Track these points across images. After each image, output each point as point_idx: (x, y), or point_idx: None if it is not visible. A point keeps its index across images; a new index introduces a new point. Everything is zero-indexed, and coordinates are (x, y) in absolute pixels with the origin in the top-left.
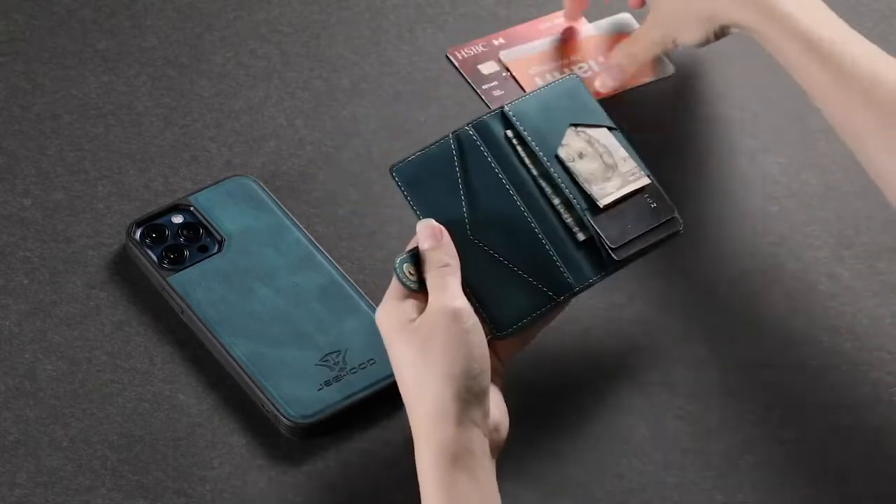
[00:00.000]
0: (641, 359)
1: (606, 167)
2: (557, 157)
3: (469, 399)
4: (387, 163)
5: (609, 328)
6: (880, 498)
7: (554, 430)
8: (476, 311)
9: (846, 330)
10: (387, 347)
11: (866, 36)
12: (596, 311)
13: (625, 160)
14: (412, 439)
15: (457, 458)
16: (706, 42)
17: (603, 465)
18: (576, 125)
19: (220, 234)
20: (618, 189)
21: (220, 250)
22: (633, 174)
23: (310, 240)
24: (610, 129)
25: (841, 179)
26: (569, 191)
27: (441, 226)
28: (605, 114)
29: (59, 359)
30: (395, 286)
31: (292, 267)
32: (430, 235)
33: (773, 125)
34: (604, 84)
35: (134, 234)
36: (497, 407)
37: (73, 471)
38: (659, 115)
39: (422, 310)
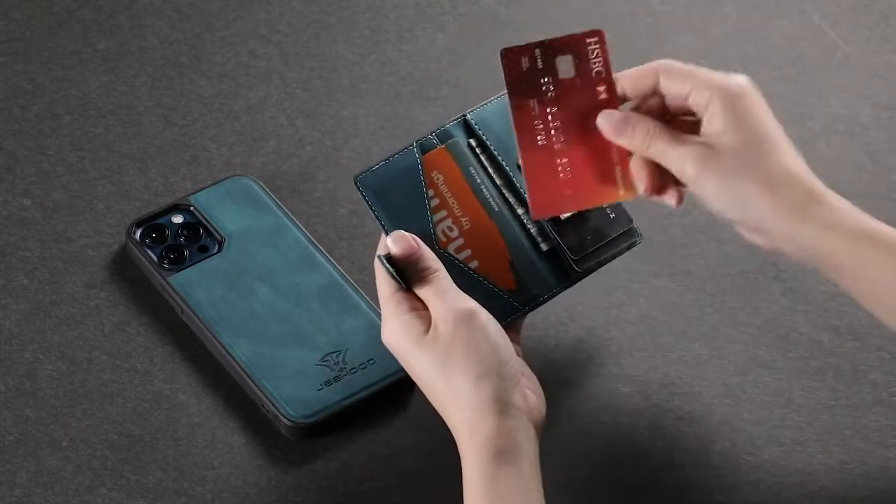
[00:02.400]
0: (641, 359)
1: None
2: (519, 166)
3: (506, 387)
4: None
5: (609, 328)
6: (881, 498)
7: (554, 430)
8: None
9: (846, 330)
10: (404, 365)
11: (866, 36)
12: (596, 311)
13: None
14: (412, 438)
15: (501, 453)
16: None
17: (603, 465)
18: None
19: (220, 234)
20: None
21: (220, 250)
22: None
23: (310, 240)
24: None
25: (841, 180)
26: None
27: (412, 234)
28: None
29: (59, 359)
30: (389, 302)
31: (292, 267)
32: (405, 248)
33: None
34: (601, 124)
35: (134, 234)
36: (531, 382)
37: (73, 471)
38: None
39: (427, 319)
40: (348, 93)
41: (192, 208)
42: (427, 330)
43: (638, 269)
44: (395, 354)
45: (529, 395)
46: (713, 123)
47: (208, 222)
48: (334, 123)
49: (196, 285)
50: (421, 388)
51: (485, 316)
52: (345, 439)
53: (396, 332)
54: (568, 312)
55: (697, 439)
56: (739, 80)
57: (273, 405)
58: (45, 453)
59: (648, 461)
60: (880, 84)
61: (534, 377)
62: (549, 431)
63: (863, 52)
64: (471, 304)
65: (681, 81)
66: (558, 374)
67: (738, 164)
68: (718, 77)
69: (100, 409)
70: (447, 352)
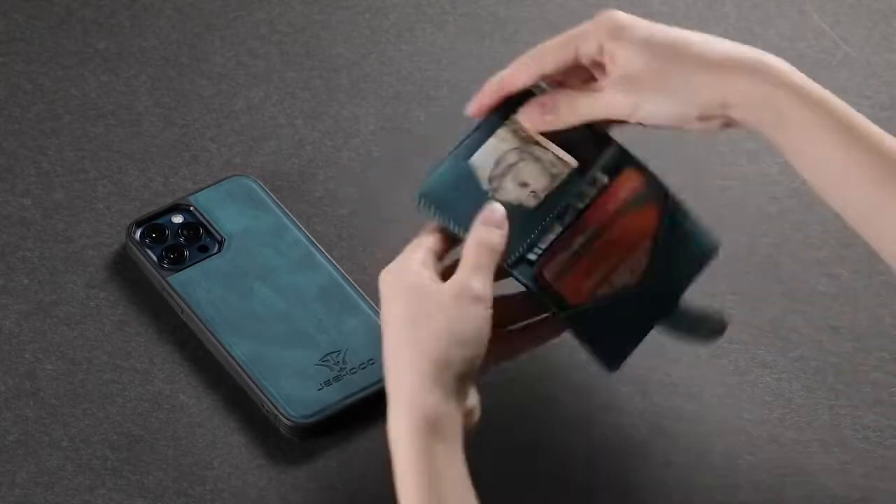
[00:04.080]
0: (641, 359)
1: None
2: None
3: (460, 377)
4: (387, 163)
5: None
6: (881, 498)
7: (554, 430)
8: None
9: (846, 330)
10: (386, 301)
11: (866, 36)
12: None
13: None
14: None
15: (436, 429)
16: (680, 124)
17: (603, 465)
18: None
19: (220, 234)
20: None
21: (220, 250)
22: None
23: (310, 240)
24: None
25: None
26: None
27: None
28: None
29: (59, 359)
30: (417, 247)
31: (292, 267)
32: (498, 221)
33: None
34: (525, 116)
35: (134, 234)
36: (473, 393)
37: (73, 471)
38: None
39: (437, 281)
40: (348, 93)
41: (192, 208)
42: (432, 285)
43: None
44: (383, 290)
45: (470, 398)
46: (616, 57)
47: (208, 222)
48: (334, 123)
49: (196, 285)
50: (384, 334)
51: (489, 311)
52: (345, 439)
53: (401, 268)
54: None
55: (697, 439)
56: (610, 15)
57: (273, 405)
58: (45, 453)
59: (648, 461)
60: (880, 84)
61: (476, 391)
62: (548, 431)
63: (863, 52)
64: (487, 291)
65: (565, 48)
66: (558, 373)
67: (666, 64)
68: (590, 23)
69: (100, 409)
70: (436, 313)
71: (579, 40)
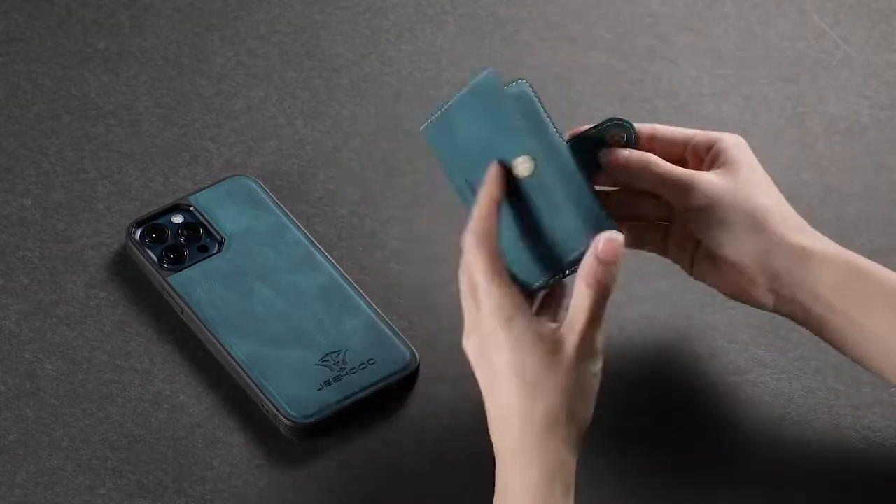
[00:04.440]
0: (641, 358)
1: None
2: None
3: (581, 429)
4: (387, 163)
5: (609, 328)
6: (881, 498)
7: None
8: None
9: None
10: (507, 352)
11: (866, 36)
12: None
13: None
14: (412, 438)
15: (558, 480)
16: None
17: (603, 465)
18: None
19: (220, 234)
20: None
21: (220, 250)
22: None
23: (310, 240)
24: None
25: (841, 180)
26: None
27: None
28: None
29: (59, 359)
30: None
31: (292, 267)
32: (615, 252)
33: (773, 125)
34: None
35: (134, 234)
36: None
37: (73, 471)
38: (658, 113)
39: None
40: (348, 93)
41: (191, 208)
42: (559, 341)
43: (639, 270)
44: (495, 331)
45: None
46: (716, 162)
47: (208, 222)
48: (334, 123)
49: (196, 285)
50: (494, 385)
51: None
52: (345, 439)
53: (528, 324)
54: None
55: (697, 439)
56: (735, 135)
57: (273, 405)
58: (45, 453)
59: (649, 461)
60: (880, 84)
61: None
62: None
63: (863, 52)
64: (599, 343)
65: (678, 134)
66: None
67: (741, 195)
68: (715, 132)
69: (100, 409)
70: (566, 379)
71: (686, 133)
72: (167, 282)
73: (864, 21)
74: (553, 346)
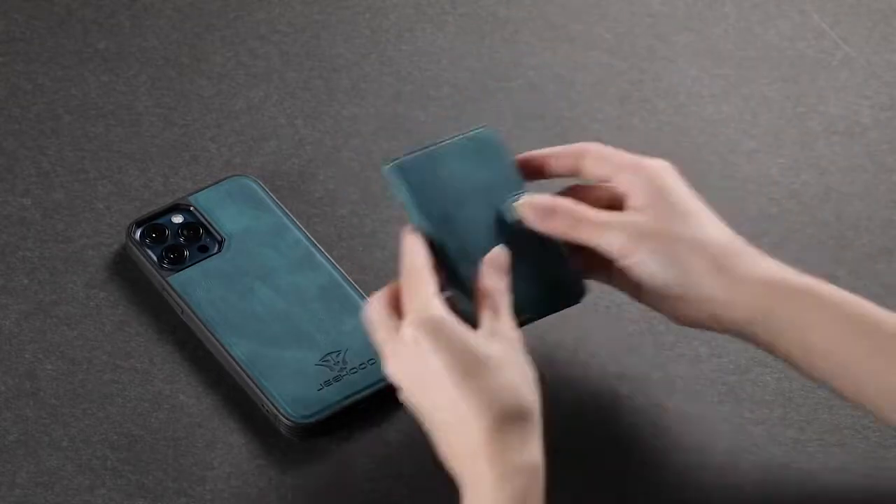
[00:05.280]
0: (641, 358)
1: None
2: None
3: (531, 420)
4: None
5: (609, 328)
6: (881, 498)
7: (554, 430)
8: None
9: None
10: (427, 354)
11: (866, 36)
12: (596, 310)
13: None
14: (412, 438)
15: (521, 472)
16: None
17: (603, 465)
18: None
19: (219, 234)
20: None
21: (219, 250)
22: None
23: (310, 240)
24: None
25: (840, 180)
26: None
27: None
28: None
29: (59, 359)
30: (429, 290)
31: (292, 267)
32: (499, 269)
33: (773, 125)
34: (524, 212)
35: (134, 234)
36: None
37: (73, 471)
38: (658, 114)
39: (470, 328)
40: (348, 93)
41: (191, 208)
42: (472, 336)
43: None
44: (426, 333)
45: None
46: (638, 199)
47: (208, 222)
48: (334, 123)
49: (196, 285)
50: (427, 381)
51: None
52: (345, 439)
53: (443, 317)
54: (568, 312)
55: (697, 439)
56: (659, 161)
57: (273, 405)
58: (45, 453)
59: (649, 461)
60: (880, 84)
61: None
62: (548, 431)
63: (863, 52)
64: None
65: (601, 164)
66: (558, 373)
67: (667, 233)
68: (638, 158)
69: (100, 409)
70: (497, 366)
71: (609, 163)
72: (167, 282)
73: (864, 21)
74: (472, 337)
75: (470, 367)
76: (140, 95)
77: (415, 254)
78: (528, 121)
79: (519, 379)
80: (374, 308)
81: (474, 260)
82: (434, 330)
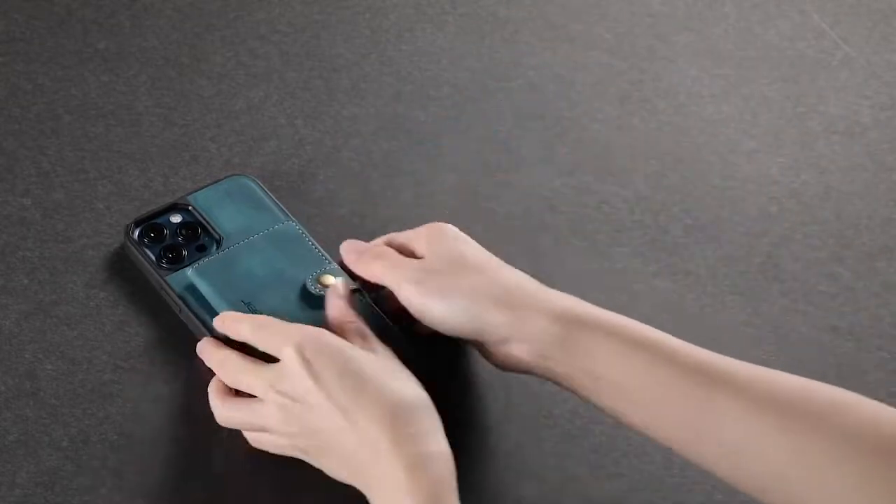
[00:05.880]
0: None
1: None
2: None
3: (430, 414)
4: (387, 163)
5: None
6: None
7: (554, 429)
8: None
9: (846, 330)
10: (314, 376)
11: (866, 36)
12: None
13: None
14: None
15: (438, 469)
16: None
17: (603, 465)
18: None
19: (217, 234)
20: None
21: (218, 249)
22: None
23: (309, 239)
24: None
25: (840, 180)
26: None
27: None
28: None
29: (59, 359)
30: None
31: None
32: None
33: (773, 125)
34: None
35: (132, 233)
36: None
37: (73, 471)
38: (658, 113)
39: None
40: (348, 93)
41: (190, 207)
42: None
43: (638, 270)
44: (313, 348)
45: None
46: (419, 251)
47: (206, 221)
48: (334, 123)
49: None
50: (317, 400)
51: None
52: None
53: (322, 330)
54: None
55: None
56: (438, 223)
57: None
58: (45, 453)
59: (649, 461)
60: (880, 84)
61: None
62: (549, 430)
63: (863, 52)
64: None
65: (399, 237)
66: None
67: (445, 282)
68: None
69: (100, 409)
70: (380, 371)
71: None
72: (165, 281)
73: (864, 21)
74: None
75: (358, 376)
76: (140, 95)
77: (243, 322)
78: (528, 121)
79: (403, 376)
80: (229, 355)
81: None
82: (319, 344)
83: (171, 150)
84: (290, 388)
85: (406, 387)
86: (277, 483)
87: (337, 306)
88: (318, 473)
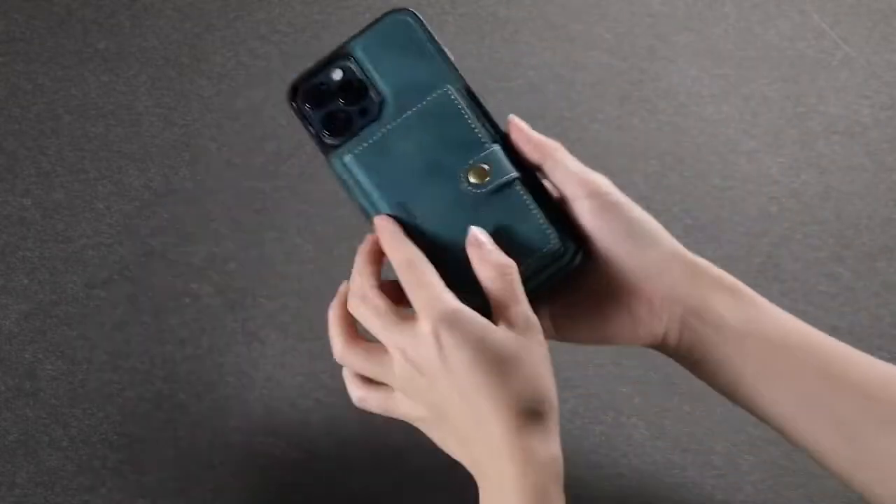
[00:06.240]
0: (641, 359)
1: None
2: None
3: (552, 409)
4: None
5: None
6: None
7: None
8: None
9: (846, 330)
10: (450, 351)
11: (866, 36)
12: None
13: None
14: (413, 439)
15: (546, 467)
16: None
17: (603, 465)
18: None
19: (379, 93)
20: None
21: (377, 120)
22: None
23: (465, 113)
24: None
25: (840, 180)
26: None
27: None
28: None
29: (59, 359)
30: (433, 281)
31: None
32: (490, 252)
33: (773, 125)
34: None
35: (296, 102)
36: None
37: (73, 471)
38: (658, 113)
39: (489, 322)
40: None
41: (351, 61)
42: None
43: None
44: (447, 328)
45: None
46: (586, 219)
47: (368, 78)
48: None
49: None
50: (444, 388)
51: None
52: (345, 439)
53: (463, 309)
54: None
55: (697, 439)
56: (601, 180)
57: None
58: (45, 453)
59: (648, 461)
60: (880, 84)
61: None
62: None
63: (863, 52)
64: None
65: (558, 171)
66: (558, 374)
67: (624, 252)
68: (584, 175)
69: (100, 409)
70: (517, 362)
71: (562, 173)
72: (329, 161)
73: (864, 21)
74: (493, 332)
75: (491, 365)
76: (140, 95)
77: (403, 244)
78: (528, 121)
79: (540, 370)
80: (372, 300)
81: (449, 245)
82: (454, 324)
83: (171, 150)
84: (418, 360)
85: (539, 384)
86: (277, 483)
87: (503, 289)
88: (319, 483)
